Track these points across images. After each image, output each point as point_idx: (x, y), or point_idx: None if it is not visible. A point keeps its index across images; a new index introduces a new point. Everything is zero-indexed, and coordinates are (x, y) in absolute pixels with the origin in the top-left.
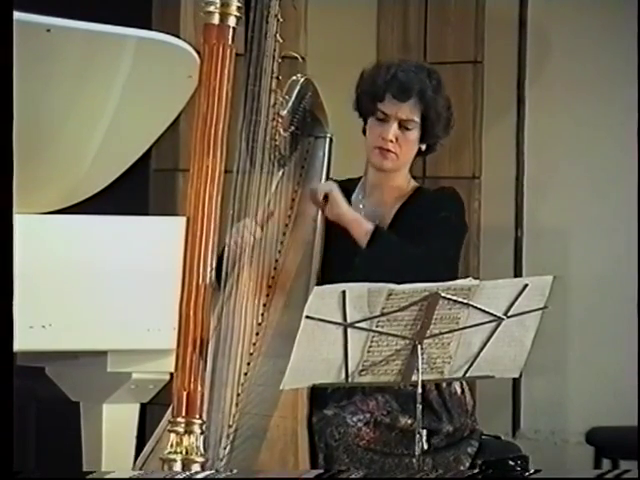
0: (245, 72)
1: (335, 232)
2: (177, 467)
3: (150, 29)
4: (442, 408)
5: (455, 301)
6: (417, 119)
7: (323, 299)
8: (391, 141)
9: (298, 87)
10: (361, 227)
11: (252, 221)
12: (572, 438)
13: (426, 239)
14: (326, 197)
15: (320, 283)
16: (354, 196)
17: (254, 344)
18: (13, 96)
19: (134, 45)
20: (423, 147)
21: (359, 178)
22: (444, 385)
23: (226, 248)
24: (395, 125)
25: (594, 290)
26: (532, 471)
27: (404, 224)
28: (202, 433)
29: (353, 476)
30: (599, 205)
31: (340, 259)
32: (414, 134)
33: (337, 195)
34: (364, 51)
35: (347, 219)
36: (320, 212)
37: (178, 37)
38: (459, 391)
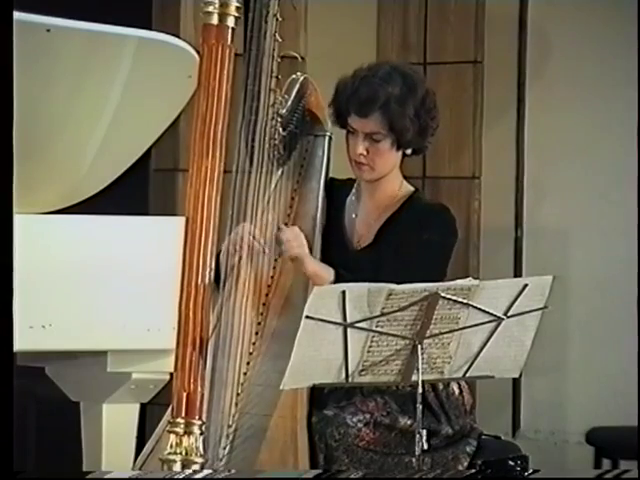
0: (244, 71)
1: (334, 232)
2: (176, 468)
3: (150, 29)
4: (440, 410)
5: (455, 301)
6: (384, 131)
7: (323, 299)
8: (362, 154)
9: (297, 86)
10: (322, 280)
11: (251, 225)
12: (572, 438)
13: (400, 261)
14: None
15: None
16: (349, 198)
17: (254, 344)
18: (13, 96)
19: (134, 45)
20: (408, 151)
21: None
22: (441, 387)
23: (222, 250)
24: (362, 139)
25: (594, 290)
26: (531, 471)
27: (387, 240)
28: (202, 434)
29: (352, 476)
30: (599, 205)
31: (339, 259)
32: (384, 144)
33: (304, 255)
34: (364, 51)
35: (309, 273)
36: (319, 212)
37: (178, 37)
38: (457, 392)
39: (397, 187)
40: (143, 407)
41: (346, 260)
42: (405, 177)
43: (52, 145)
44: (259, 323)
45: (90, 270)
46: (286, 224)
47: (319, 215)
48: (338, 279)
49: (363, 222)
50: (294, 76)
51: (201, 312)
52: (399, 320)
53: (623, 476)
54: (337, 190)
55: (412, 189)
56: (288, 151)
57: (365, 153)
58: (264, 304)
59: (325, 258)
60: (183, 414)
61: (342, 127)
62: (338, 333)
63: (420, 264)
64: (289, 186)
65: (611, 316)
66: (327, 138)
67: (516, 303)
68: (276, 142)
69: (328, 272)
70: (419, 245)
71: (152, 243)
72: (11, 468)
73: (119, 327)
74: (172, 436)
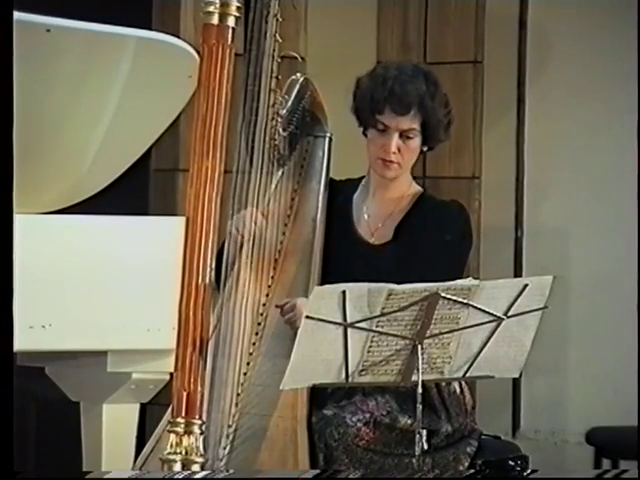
0: (244, 72)
1: (335, 232)
2: (177, 468)
3: (150, 29)
4: (441, 406)
5: (455, 301)
6: (418, 127)
7: (323, 299)
8: (394, 152)
9: (297, 86)
10: None
11: (255, 210)
12: (572, 438)
13: (419, 265)
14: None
15: (320, 283)
16: (356, 196)
17: (254, 344)
18: (13, 96)
19: (134, 45)
20: (425, 149)
21: (360, 178)
22: (443, 383)
23: (226, 242)
24: (396, 136)
25: (594, 290)
26: (529, 471)
27: (407, 240)
28: (202, 433)
29: (352, 476)
30: (599, 205)
31: (357, 255)
32: (416, 142)
33: None
34: (364, 51)
35: None
36: (320, 212)
37: (178, 37)
38: (458, 390)
39: (407, 185)
40: (143, 407)
41: (366, 255)
42: None
43: (52, 145)
44: (259, 323)
45: (90, 270)
46: (286, 225)
47: (319, 216)
48: None
49: (375, 218)
50: (294, 77)
51: (201, 312)
52: (399, 320)
53: (623, 476)
54: (339, 190)
55: (420, 188)
56: (288, 152)
57: (397, 151)
58: (264, 304)
59: (341, 256)
60: (183, 414)
61: (365, 125)
62: (338, 333)
63: (441, 265)
64: (289, 187)
65: (611, 316)
66: (327, 139)
67: (516, 303)
68: (276, 142)
69: None
70: (441, 245)
71: (152, 243)
72: (11, 468)
73: (119, 327)
74: (172, 436)
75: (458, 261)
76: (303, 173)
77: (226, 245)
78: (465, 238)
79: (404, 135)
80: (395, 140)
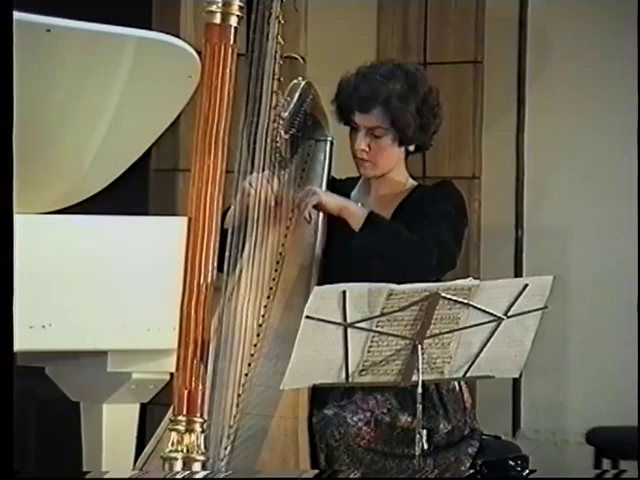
0: (246, 73)
1: (335, 233)
2: (178, 466)
3: (150, 29)
4: (439, 402)
5: (455, 301)
6: (385, 126)
7: (323, 299)
8: (364, 150)
9: (299, 90)
10: (356, 213)
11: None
12: (572, 438)
13: (423, 226)
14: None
15: (320, 283)
16: (354, 194)
17: (255, 345)
18: (13, 96)
19: (134, 45)
20: (411, 148)
21: (359, 177)
22: None
23: (232, 208)
24: (364, 134)
25: (594, 290)
26: (527, 471)
27: (403, 217)
28: (203, 432)
29: (352, 476)
30: (599, 205)
31: (340, 259)
32: (386, 140)
33: (326, 197)
34: (364, 52)
35: (341, 209)
36: (321, 214)
37: (178, 37)
38: (457, 387)
39: (404, 180)
40: (143, 407)
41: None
42: None
43: (52, 145)
44: (260, 324)
45: (90, 270)
46: (287, 227)
47: (320, 219)
48: (370, 215)
49: None
50: (296, 80)
51: (203, 311)
52: (399, 320)
53: (623, 476)
54: (339, 188)
55: (417, 183)
56: (290, 154)
57: (367, 149)
58: (265, 306)
59: (338, 256)
60: (184, 412)
61: (346, 124)
62: (338, 333)
63: (435, 227)
64: (290, 189)
65: (611, 316)
66: (329, 143)
67: (516, 303)
68: (278, 145)
69: (355, 206)
70: (435, 213)
71: (152, 243)
72: (11, 468)
73: (119, 327)
74: (173, 434)
75: (454, 230)
76: (304, 176)
77: (231, 210)
78: (460, 210)
79: (372, 133)
80: (362, 138)
